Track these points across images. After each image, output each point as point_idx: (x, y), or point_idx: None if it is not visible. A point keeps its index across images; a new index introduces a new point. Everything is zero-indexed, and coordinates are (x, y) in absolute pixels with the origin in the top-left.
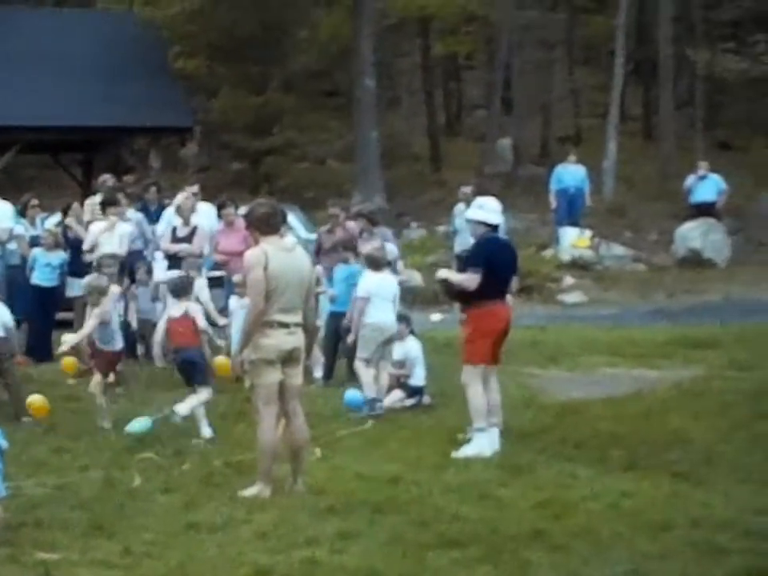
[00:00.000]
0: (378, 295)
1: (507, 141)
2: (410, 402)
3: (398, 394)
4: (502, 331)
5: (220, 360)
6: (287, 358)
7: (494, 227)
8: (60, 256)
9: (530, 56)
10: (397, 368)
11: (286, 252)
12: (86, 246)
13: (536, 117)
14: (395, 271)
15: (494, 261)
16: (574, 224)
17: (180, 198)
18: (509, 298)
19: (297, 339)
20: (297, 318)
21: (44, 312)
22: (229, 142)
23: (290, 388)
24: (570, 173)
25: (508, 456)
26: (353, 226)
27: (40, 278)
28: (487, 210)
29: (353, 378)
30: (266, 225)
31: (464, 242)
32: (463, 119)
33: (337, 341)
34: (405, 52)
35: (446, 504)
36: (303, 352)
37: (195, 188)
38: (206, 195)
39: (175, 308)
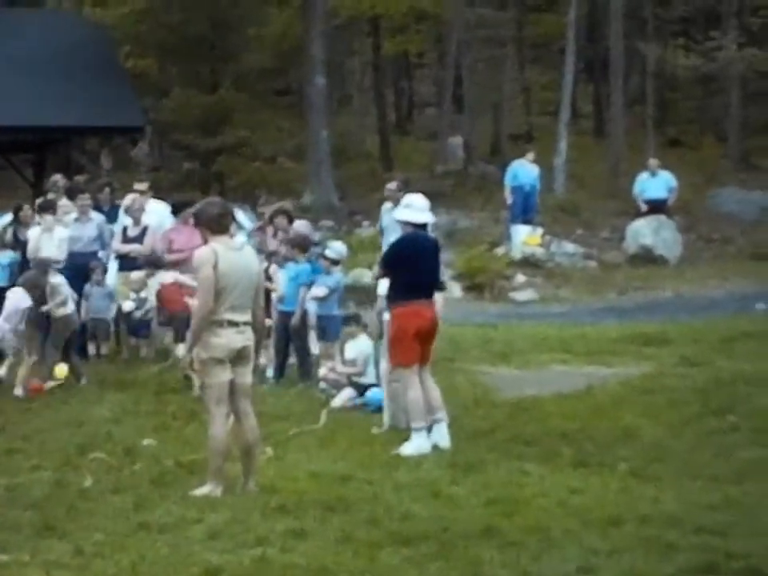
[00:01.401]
0: None
1: (458, 139)
2: (360, 400)
3: (349, 392)
4: (428, 330)
5: None
6: (237, 357)
7: (422, 226)
8: (8, 256)
9: (481, 54)
10: (349, 366)
11: (235, 251)
12: (29, 253)
13: (487, 115)
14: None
15: (413, 260)
16: (528, 221)
17: (129, 198)
18: (437, 295)
19: (246, 338)
20: (246, 316)
21: None
22: (180, 142)
23: (240, 387)
24: (526, 170)
25: (459, 454)
26: (302, 224)
27: None
28: (414, 209)
29: (304, 377)
30: (217, 224)
31: (391, 240)
32: (414, 117)
33: (287, 340)
34: (355, 50)
35: (397, 502)
36: (253, 351)
37: (144, 185)
38: (159, 195)
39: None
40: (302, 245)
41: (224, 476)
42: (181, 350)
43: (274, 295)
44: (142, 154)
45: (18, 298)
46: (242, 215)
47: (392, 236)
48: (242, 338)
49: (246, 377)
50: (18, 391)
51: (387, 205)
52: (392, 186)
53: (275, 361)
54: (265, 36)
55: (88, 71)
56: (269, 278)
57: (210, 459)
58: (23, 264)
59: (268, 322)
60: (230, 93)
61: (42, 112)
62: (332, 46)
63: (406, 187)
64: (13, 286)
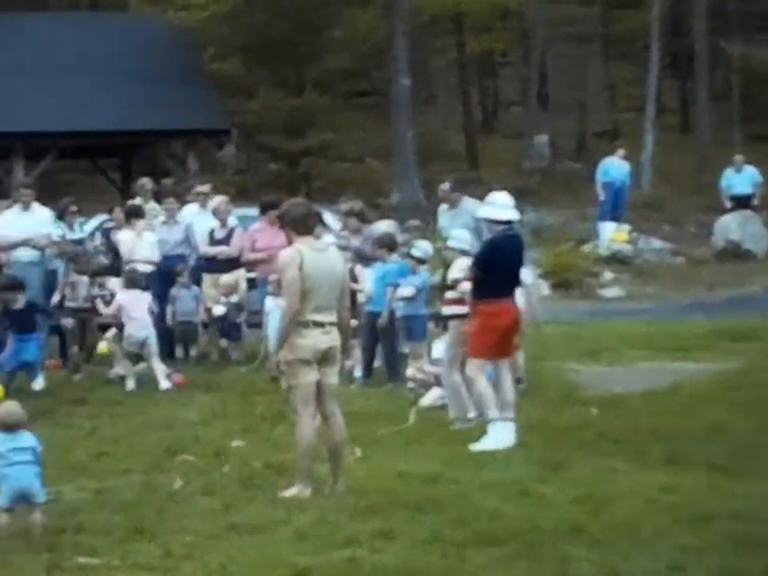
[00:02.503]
0: None
1: (544, 137)
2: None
3: (437, 391)
4: (510, 327)
5: None
6: (323, 358)
7: (507, 223)
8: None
9: (565, 51)
10: (436, 365)
11: (320, 252)
12: (124, 257)
13: (572, 112)
14: None
15: (502, 260)
16: (618, 218)
17: (216, 200)
18: (526, 292)
19: (332, 338)
20: (332, 317)
21: None
22: (266, 144)
23: (326, 388)
24: (617, 167)
25: (547, 451)
26: (388, 224)
27: None
28: (498, 206)
29: (393, 377)
30: (302, 225)
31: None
32: (499, 116)
33: (375, 340)
34: (440, 49)
35: (484, 501)
36: (339, 351)
37: (207, 187)
38: (246, 197)
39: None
40: (389, 244)
41: (312, 477)
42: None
43: (360, 295)
44: (229, 157)
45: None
46: (328, 216)
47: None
48: (328, 339)
49: (333, 377)
50: (165, 384)
51: (443, 206)
52: (445, 186)
53: (363, 361)
54: (348, 37)
55: (173, 75)
56: (354, 278)
57: (298, 460)
58: (116, 267)
59: (354, 322)
60: (315, 95)
61: (129, 116)
62: (416, 46)
63: (461, 187)
64: None
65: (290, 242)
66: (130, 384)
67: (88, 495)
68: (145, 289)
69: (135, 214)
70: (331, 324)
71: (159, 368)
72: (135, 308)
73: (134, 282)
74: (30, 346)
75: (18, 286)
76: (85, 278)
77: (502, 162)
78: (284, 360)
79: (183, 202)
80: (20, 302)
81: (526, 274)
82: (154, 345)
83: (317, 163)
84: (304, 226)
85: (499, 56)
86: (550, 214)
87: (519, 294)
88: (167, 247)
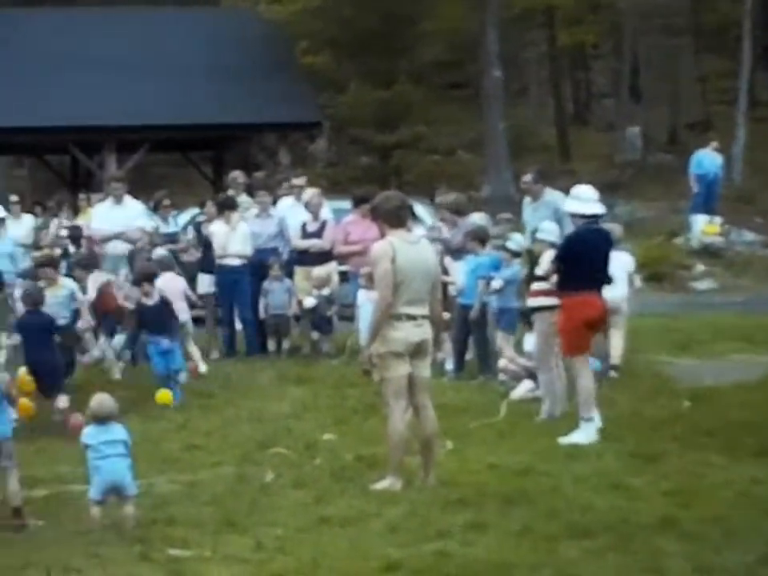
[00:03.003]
0: None
1: (636, 129)
2: (540, 392)
3: (528, 384)
4: (597, 319)
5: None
6: (415, 351)
7: (592, 217)
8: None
9: (657, 43)
10: (527, 358)
11: (412, 244)
12: (217, 250)
13: (664, 104)
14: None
15: (586, 254)
16: (710, 211)
17: (308, 193)
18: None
19: (424, 331)
20: (424, 310)
21: None
22: (357, 137)
23: (418, 380)
24: (710, 159)
25: (639, 444)
26: (480, 216)
27: None
28: (583, 200)
29: (485, 370)
30: (395, 218)
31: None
32: (591, 108)
33: (467, 333)
34: (531, 42)
35: (576, 494)
36: (431, 344)
37: (302, 180)
38: (337, 190)
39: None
40: (481, 237)
41: (404, 470)
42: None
43: (451, 288)
44: (320, 150)
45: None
46: (420, 209)
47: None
48: (420, 332)
49: (425, 370)
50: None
51: (527, 199)
52: (527, 178)
53: (454, 354)
54: (440, 29)
55: (264, 68)
56: (445, 271)
57: (390, 453)
58: (207, 260)
59: (445, 315)
60: (406, 87)
61: (221, 109)
62: (507, 38)
63: (544, 179)
64: None
65: (382, 235)
66: (116, 374)
67: (179, 488)
68: (178, 273)
69: (229, 206)
70: (423, 317)
71: (196, 352)
72: (168, 292)
73: (164, 265)
74: (170, 357)
75: (151, 276)
76: None
77: (593, 154)
78: (376, 353)
79: (275, 196)
80: (153, 296)
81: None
82: (190, 328)
83: (408, 156)
84: (397, 218)
85: (590, 48)
86: (642, 206)
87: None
88: (260, 240)
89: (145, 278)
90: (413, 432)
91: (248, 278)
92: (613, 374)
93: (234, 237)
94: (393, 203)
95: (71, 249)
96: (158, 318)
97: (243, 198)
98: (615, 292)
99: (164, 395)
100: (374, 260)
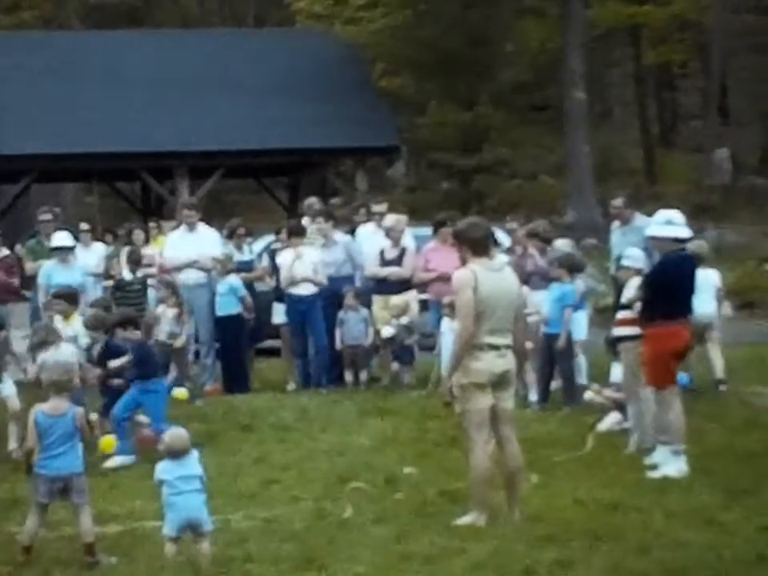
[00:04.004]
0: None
1: (725, 151)
2: (628, 424)
3: (615, 416)
4: (683, 351)
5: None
6: (498, 382)
7: (679, 241)
8: (228, 282)
9: (747, 62)
10: (614, 390)
11: (495, 272)
12: (282, 282)
13: (755, 125)
14: None
15: (676, 281)
16: None
17: (390, 219)
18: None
19: (507, 362)
20: (507, 339)
21: (229, 341)
22: (437, 161)
23: (501, 412)
24: None
25: (731, 478)
26: (565, 243)
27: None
28: (676, 224)
29: (570, 401)
30: (480, 246)
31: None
32: (679, 130)
33: (552, 363)
34: (615, 62)
35: (667, 530)
36: (514, 375)
37: (383, 207)
38: (416, 216)
39: None
40: (569, 266)
41: (488, 505)
42: None
43: (531, 317)
44: (398, 175)
45: None
46: (501, 234)
47: (618, 254)
48: (503, 362)
49: (508, 402)
50: None
51: (615, 224)
52: (617, 202)
53: (539, 384)
54: (522, 50)
55: (341, 91)
56: None
57: (473, 488)
58: (279, 287)
59: (528, 344)
60: (488, 109)
61: (296, 134)
62: (591, 58)
63: (635, 204)
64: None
65: (463, 262)
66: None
67: (256, 523)
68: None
69: (296, 232)
70: (507, 347)
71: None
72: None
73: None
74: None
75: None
76: (170, 312)
77: (681, 177)
78: (458, 384)
79: (353, 223)
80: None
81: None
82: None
83: (490, 181)
84: (482, 246)
85: (677, 68)
86: (732, 231)
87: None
88: (332, 269)
89: (128, 321)
90: (496, 465)
91: (319, 307)
92: (722, 387)
93: (302, 264)
94: (478, 233)
95: (126, 275)
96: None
97: (318, 225)
98: (704, 308)
99: (108, 443)
100: (456, 289)
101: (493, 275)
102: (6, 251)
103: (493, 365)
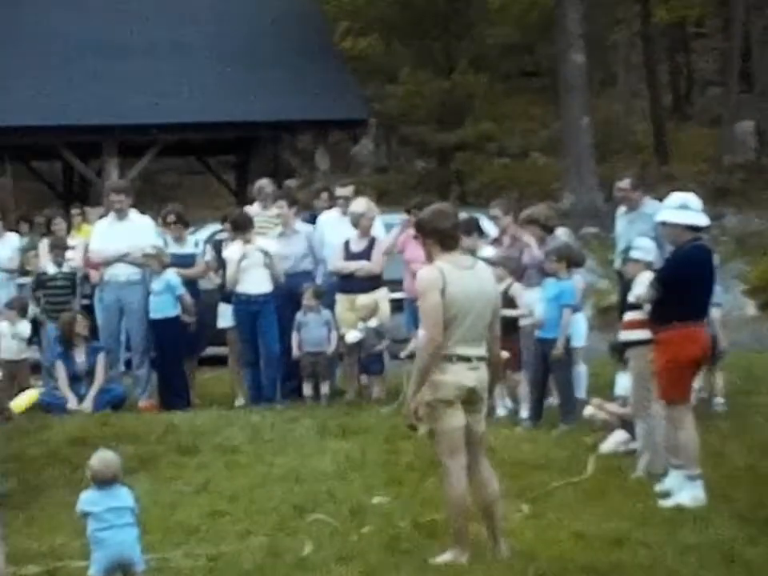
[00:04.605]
0: None
1: (749, 124)
2: (636, 444)
3: (621, 435)
4: (702, 358)
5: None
6: (468, 399)
7: (696, 230)
8: (164, 279)
9: None
10: (619, 405)
11: (466, 270)
12: (228, 283)
13: None
14: None
15: (695, 276)
16: None
17: (359, 204)
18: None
19: (480, 376)
20: (480, 350)
21: (166, 348)
22: (411, 136)
23: (472, 435)
24: None
25: (755, 507)
26: (562, 231)
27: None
28: (693, 210)
29: (567, 418)
30: (447, 238)
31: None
32: (694, 99)
33: (546, 373)
34: (620, 20)
35: (681, 568)
36: (486, 391)
37: (348, 190)
38: (387, 200)
39: None
40: (570, 257)
41: (469, 539)
42: None
43: (523, 321)
44: (366, 152)
45: None
46: (487, 223)
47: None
48: (475, 376)
49: (480, 422)
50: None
51: (621, 209)
52: (624, 184)
53: (531, 399)
54: (509, 5)
55: (297, 54)
56: (508, 301)
57: (450, 520)
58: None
59: (504, 354)
60: (469, 76)
61: (243, 105)
62: (591, 15)
63: (644, 186)
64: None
65: (429, 259)
66: None
67: (199, 563)
68: None
69: (242, 224)
70: (479, 358)
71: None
72: None
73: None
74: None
75: None
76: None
77: (697, 155)
78: (423, 402)
79: (314, 209)
80: None
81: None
82: None
83: (472, 159)
84: (451, 239)
85: (693, 26)
86: (758, 217)
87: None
88: (288, 263)
89: None
90: (470, 495)
91: (273, 308)
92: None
93: (252, 262)
94: (445, 220)
95: (51, 269)
96: None
97: (273, 212)
98: None
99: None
100: (421, 291)
101: (463, 273)
102: None
103: (463, 378)
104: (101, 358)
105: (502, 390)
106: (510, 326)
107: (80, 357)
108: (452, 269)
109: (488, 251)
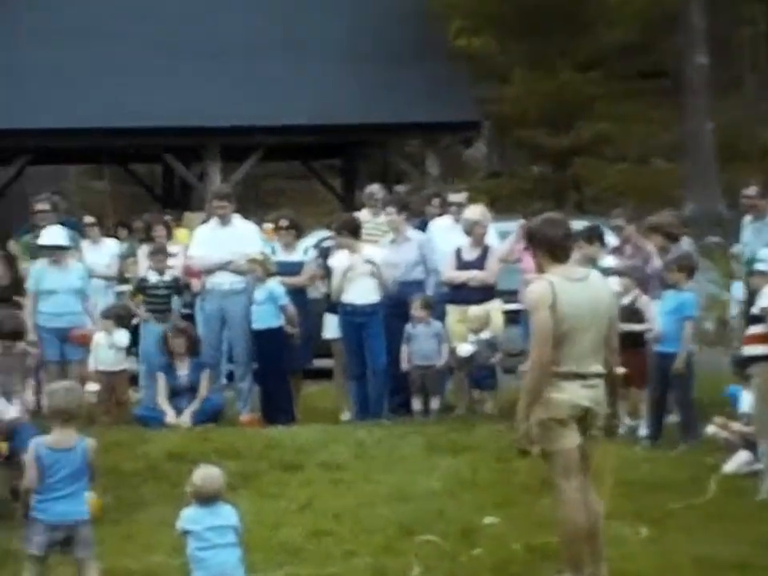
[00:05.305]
0: None
1: None
2: (760, 465)
3: (744, 455)
4: None
5: None
6: (582, 418)
7: None
8: (267, 289)
9: None
10: (743, 423)
11: (578, 282)
12: (334, 290)
13: None
14: None
15: None
16: None
17: (473, 211)
18: None
19: (596, 394)
20: (596, 366)
21: (269, 360)
22: (525, 140)
23: (584, 454)
24: None
25: None
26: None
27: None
28: None
29: (688, 437)
30: (559, 249)
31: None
32: None
33: (665, 390)
34: (746, 19)
35: None
36: (603, 408)
37: (461, 196)
38: (500, 207)
39: None
40: (690, 267)
41: (583, 563)
42: None
43: (650, 335)
44: (479, 157)
45: None
46: (607, 232)
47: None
48: (590, 394)
49: (595, 442)
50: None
51: (747, 217)
52: (750, 191)
53: (649, 416)
54: (629, 3)
55: (406, 54)
56: (634, 314)
57: (564, 544)
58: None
59: (620, 370)
60: (586, 77)
61: (351, 107)
62: (716, 15)
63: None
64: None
65: (539, 271)
66: None
67: None
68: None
69: (350, 230)
70: (596, 375)
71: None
72: None
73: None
74: None
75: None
76: None
77: None
78: (536, 422)
79: (426, 215)
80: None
81: None
82: None
83: (589, 164)
84: (562, 249)
85: None
86: None
87: None
88: (398, 272)
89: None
90: None
91: (380, 319)
92: None
93: (358, 271)
94: (556, 230)
95: (152, 277)
96: None
97: (382, 219)
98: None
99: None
100: (529, 307)
101: (575, 286)
102: None
103: (577, 396)
104: (205, 375)
105: (621, 406)
106: (637, 340)
107: (182, 371)
108: (563, 281)
109: (609, 261)
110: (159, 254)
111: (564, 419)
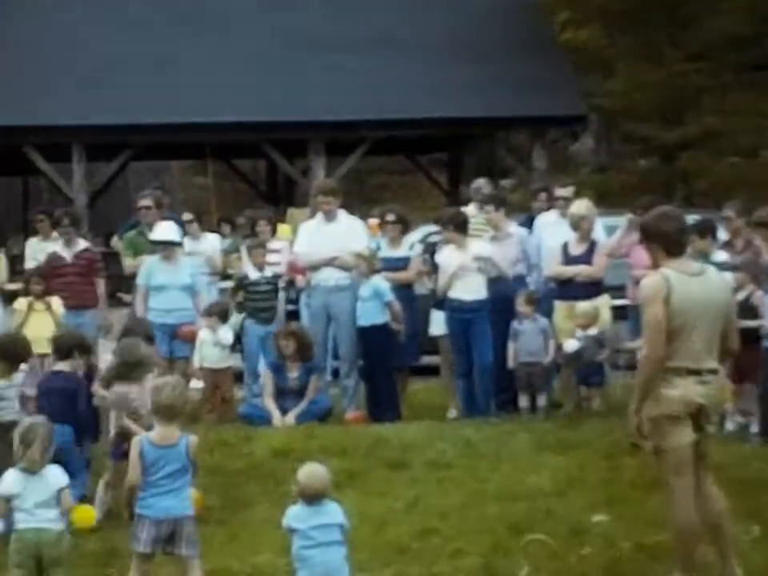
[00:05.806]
0: None
1: None
2: None
3: None
4: None
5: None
6: (697, 415)
7: None
8: (371, 285)
9: None
10: None
11: (694, 277)
12: (438, 291)
13: None
14: None
15: None
16: None
17: (580, 206)
18: None
19: (710, 391)
20: (711, 362)
21: (375, 357)
22: (633, 133)
23: (700, 452)
24: None
25: None
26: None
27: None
28: None
29: None
30: (674, 243)
31: None
32: None
33: None
34: None
35: None
36: (718, 408)
37: (568, 191)
38: (608, 201)
39: None
40: None
41: (696, 564)
42: None
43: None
44: (586, 151)
45: None
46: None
47: None
48: (704, 390)
49: (707, 440)
50: None
51: None
52: None
53: (760, 413)
54: None
55: (512, 47)
56: (750, 309)
57: (675, 543)
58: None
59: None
60: (694, 69)
61: (457, 101)
62: None
63: None
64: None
65: (654, 265)
66: None
67: None
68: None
69: (458, 225)
70: (710, 371)
71: None
72: None
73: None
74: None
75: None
76: None
77: None
78: (648, 418)
79: (528, 209)
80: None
81: None
82: None
83: (698, 158)
84: (677, 244)
85: None
86: None
87: None
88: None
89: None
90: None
91: (487, 315)
92: None
93: (465, 267)
94: (673, 225)
95: (253, 274)
96: None
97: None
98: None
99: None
100: (644, 301)
101: (691, 281)
102: (83, 243)
103: (691, 393)
104: (314, 379)
105: (731, 403)
106: (752, 336)
107: (293, 372)
108: (678, 276)
109: (722, 255)
110: (258, 249)
111: (676, 416)
